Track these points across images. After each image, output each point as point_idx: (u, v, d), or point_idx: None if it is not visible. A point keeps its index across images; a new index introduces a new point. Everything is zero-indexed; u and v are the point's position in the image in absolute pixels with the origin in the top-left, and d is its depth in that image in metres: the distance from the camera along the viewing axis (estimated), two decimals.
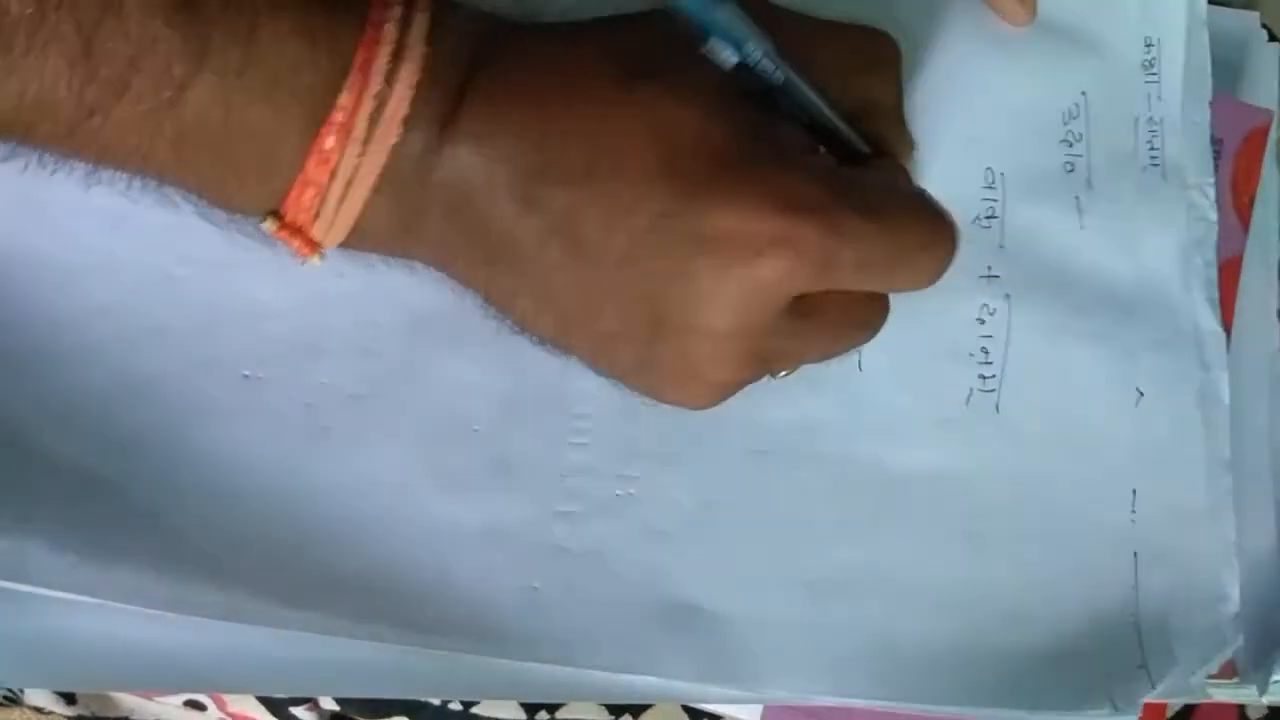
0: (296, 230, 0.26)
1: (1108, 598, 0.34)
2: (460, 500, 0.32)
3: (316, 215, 0.26)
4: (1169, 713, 0.37)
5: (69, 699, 0.37)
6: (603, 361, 0.28)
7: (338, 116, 0.25)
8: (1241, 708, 0.38)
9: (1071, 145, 0.36)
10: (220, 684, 0.33)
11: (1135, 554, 0.34)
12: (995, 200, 0.36)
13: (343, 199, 0.26)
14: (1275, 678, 0.36)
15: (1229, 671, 0.37)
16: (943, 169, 0.35)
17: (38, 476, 0.30)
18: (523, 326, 0.29)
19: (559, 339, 0.28)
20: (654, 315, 0.26)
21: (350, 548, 0.31)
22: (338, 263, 0.31)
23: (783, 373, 0.31)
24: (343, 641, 0.30)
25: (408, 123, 0.25)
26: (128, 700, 0.37)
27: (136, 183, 0.27)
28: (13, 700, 0.37)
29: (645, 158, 0.26)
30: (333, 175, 0.25)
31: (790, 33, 0.29)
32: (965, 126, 0.36)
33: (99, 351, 0.31)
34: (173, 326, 0.32)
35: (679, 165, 0.26)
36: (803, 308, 0.27)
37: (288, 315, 0.32)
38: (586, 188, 0.26)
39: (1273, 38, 0.42)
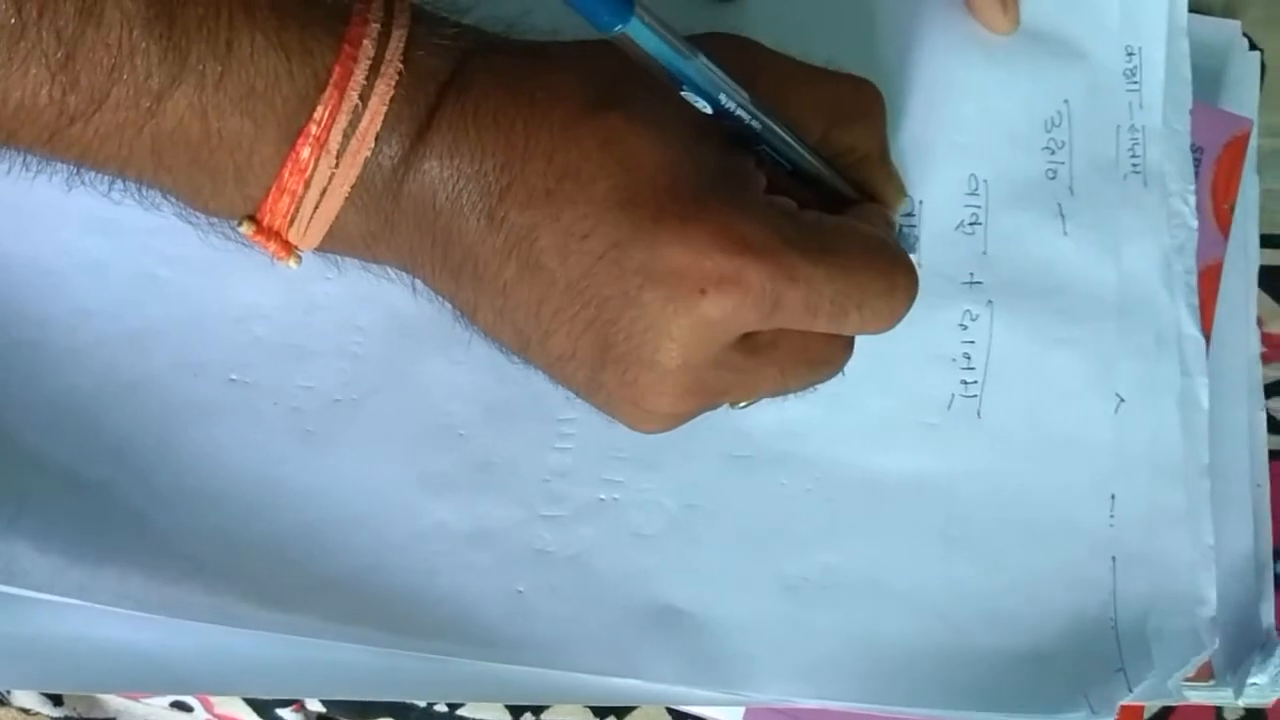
0: (272, 234, 0.27)
1: (1086, 601, 0.34)
2: (445, 504, 0.32)
3: (292, 221, 0.26)
4: (1146, 715, 0.38)
5: (56, 700, 0.37)
6: (559, 378, 0.29)
7: (313, 129, 0.25)
8: (1218, 710, 0.39)
9: (1054, 153, 0.37)
10: (207, 686, 0.33)
11: (1114, 558, 0.34)
12: (979, 206, 0.36)
13: (317, 206, 0.26)
14: (1251, 680, 0.37)
15: (1206, 674, 0.37)
16: (927, 175, 0.36)
17: (25, 479, 0.30)
18: (486, 336, 0.29)
19: (518, 353, 0.29)
20: (602, 342, 0.27)
21: (336, 551, 0.31)
22: (323, 267, 0.31)
23: (741, 404, 0.31)
24: (329, 644, 0.30)
25: (380, 137, 0.26)
26: (114, 701, 0.37)
27: (118, 184, 0.27)
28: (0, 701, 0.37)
29: (603, 186, 0.26)
30: (307, 184, 0.26)
31: (775, 77, 0.29)
32: (949, 133, 0.36)
33: (85, 354, 0.31)
34: (158, 329, 0.32)
35: (635, 196, 0.26)
36: (754, 344, 0.28)
37: (273, 318, 0.33)
38: (546, 211, 0.26)
39: (1253, 46, 0.42)
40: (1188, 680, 0.36)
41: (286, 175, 0.26)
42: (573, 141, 0.26)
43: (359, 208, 0.27)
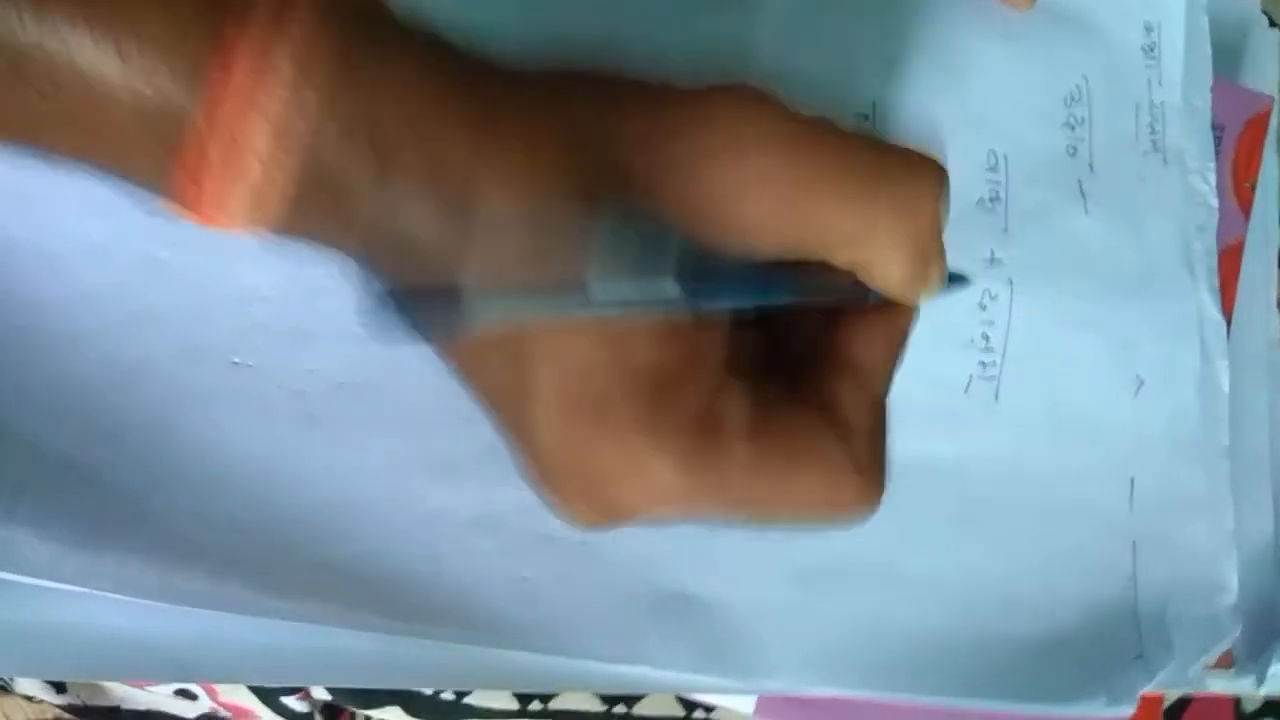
0: (210, 215, 0.23)
1: (1105, 588, 0.34)
2: (451, 488, 0.32)
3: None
4: (1165, 703, 0.37)
5: (59, 687, 0.37)
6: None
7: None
8: (1237, 700, 0.38)
9: (1074, 129, 0.36)
10: (210, 674, 0.33)
11: (1133, 544, 0.34)
12: (999, 182, 0.35)
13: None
14: (1273, 669, 0.36)
15: (1226, 662, 0.37)
16: (944, 150, 0.35)
17: (24, 465, 0.30)
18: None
19: None
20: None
21: (340, 536, 0.31)
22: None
23: None
24: (333, 631, 0.30)
25: None
26: (118, 689, 0.37)
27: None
28: (2, 688, 0.37)
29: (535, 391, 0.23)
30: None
31: (784, 184, 0.23)
32: (968, 108, 0.36)
33: (85, 338, 0.31)
34: (160, 313, 0.32)
35: (564, 402, 0.23)
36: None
37: (276, 300, 0.32)
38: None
39: (1273, 24, 0.41)
40: (1208, 669, 0.36)
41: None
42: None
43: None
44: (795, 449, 0.24)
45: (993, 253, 0.35)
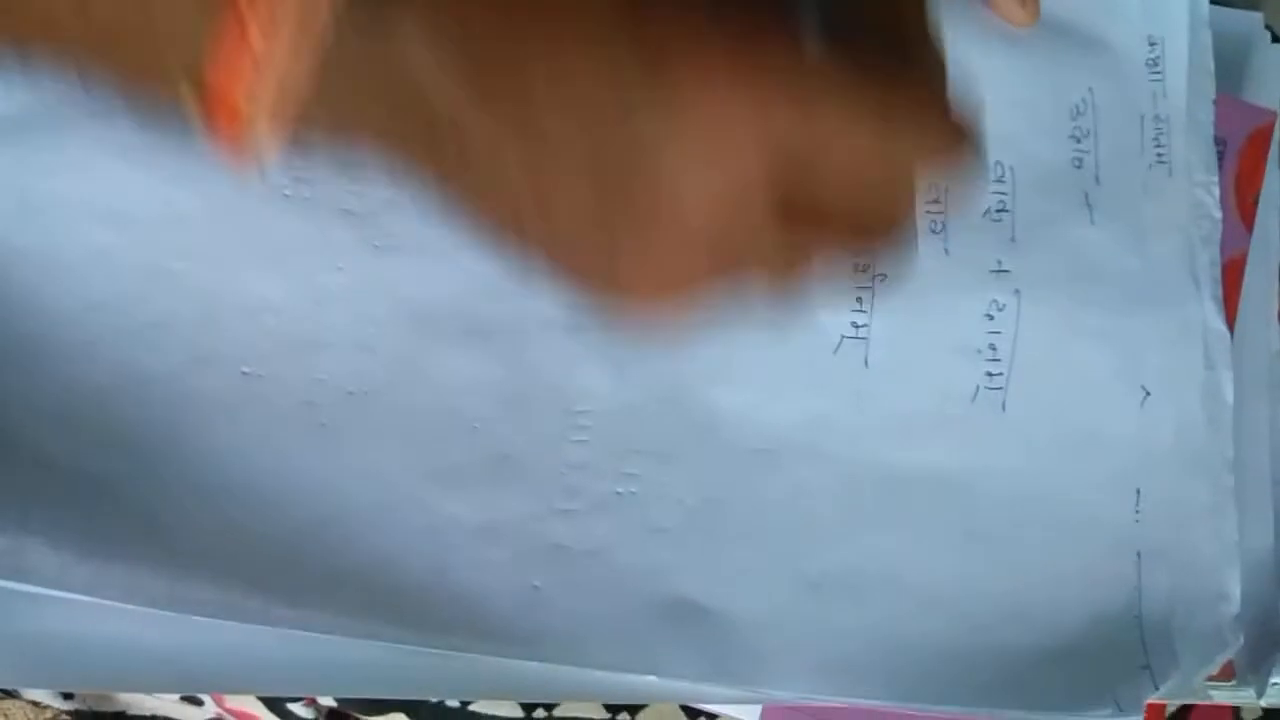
0: (223, 100, 0.22)
1: (1111, 598, 0.33)
2: (460, 498, 0.32)
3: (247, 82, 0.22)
4: (1166, 711, 0.37)
5: (66, 693, 0.37)
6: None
7: None
8: (1236, 710, 0.38)
9: (1079, 141, 0.36)
10: (219, 685, 0.32)
11: (1139, 554, 0.34)
12: (1006, 194, 0.36)
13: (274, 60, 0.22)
14: (1273, 680, 0.36)
15: (1227, 673, 0.37)
16: None
17: (34, 475, 0.30)
18: (475, 217, 0.25)
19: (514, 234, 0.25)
20: (617, 202, 0.23)
21: (349, 546, 0.31)
22: (336, 256, 0.31)
23: None
24: (341, 641, 0.30)
25: None
26: (124, 694, 0.37)
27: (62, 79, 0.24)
28: (9, 694, 0.37)
29: (603, 23, 0.22)
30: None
31: None
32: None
33: (96, 348, 0.31)
34: (170, 322, 0.32)
35: (641, 27, 0.22)
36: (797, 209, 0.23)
37: (286, 310, 0.32)
38: (539, 64, 0.22)
39: (1276, 38, 0.41)
40: (1210, 679, 0.36)
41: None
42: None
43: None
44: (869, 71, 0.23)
45: (1000, 263, 0.35)
